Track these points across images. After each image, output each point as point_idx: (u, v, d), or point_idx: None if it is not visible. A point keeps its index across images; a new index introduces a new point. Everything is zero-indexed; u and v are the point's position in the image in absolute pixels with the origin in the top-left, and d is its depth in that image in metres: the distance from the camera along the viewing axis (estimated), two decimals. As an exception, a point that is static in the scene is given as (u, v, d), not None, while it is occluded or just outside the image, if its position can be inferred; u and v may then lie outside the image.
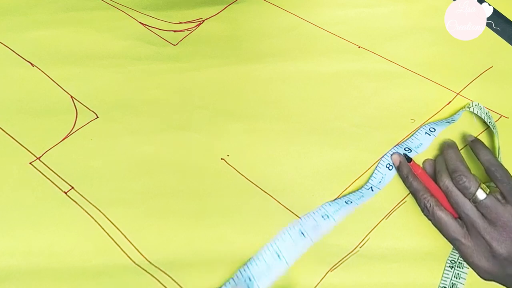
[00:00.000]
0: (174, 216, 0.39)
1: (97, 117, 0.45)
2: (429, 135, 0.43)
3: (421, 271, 0.39)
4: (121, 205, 0.40)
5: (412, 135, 0.44)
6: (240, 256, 0.38)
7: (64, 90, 0.46)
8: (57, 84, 0.47)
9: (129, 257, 0.38)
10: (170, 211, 0.40)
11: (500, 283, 0.36)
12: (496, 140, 0.43)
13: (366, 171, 0.42)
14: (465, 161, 0.40)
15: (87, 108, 0.45)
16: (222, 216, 0.40)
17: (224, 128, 0.44)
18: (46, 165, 0.41)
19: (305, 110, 0.46)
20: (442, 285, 0.38)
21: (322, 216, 0.39)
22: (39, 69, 0.48)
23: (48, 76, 0.47)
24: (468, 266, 0.38)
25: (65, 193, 0.40)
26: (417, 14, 0.53)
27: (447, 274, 0.39)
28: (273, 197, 0.41)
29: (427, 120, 0.45)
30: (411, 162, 0.41)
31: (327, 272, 0.38)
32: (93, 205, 0.40)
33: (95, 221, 0.39)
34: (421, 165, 0.42)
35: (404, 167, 0.41)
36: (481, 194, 0.37)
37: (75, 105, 0.45)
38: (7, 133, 0.43)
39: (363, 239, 0.39)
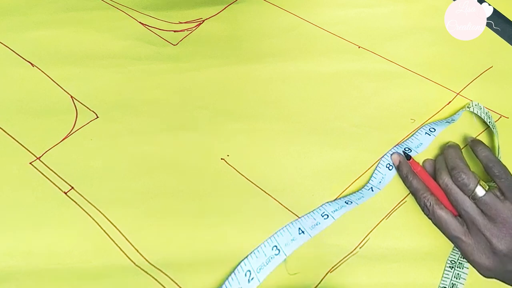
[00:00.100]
0: (174, 216, 0.39)
1: (97, 117, 0.45)
2: (429, 135, 0.43)
3: (421, 271, 0.39)
4: (121, 205, 0.40)
5: (412, 135, 0.44)
6: (240, 256, 0.38)
7: (64, 90, 0.46)
8: (57, 84, 0.47)
9: (128, 257, 0.37)
10: (170, 211, 0.40)
11: (501, 280, 0.37)
12: (496, 140, 0.43)
13: (366, 171, 0.42)
14: (464, 159, 0.40)
15: (87, 108, 0.45)
16: (222, 216, 0.40)
17: (224, 128, 0.44)
18: (46, 165, 0.41)
19: (305, 110, 0.46)
20: (442, 285, 0.38)
21: (322, 215, 0.39)
22: (39, 69, 0.47)
23: (48, 76, 0.47)
24: (468, 266, 0.39)
25: (65, 193, 0.40)
26: (417, 14, 0.53)
27: (447, 274, 0.39)
28: (273, 197, 0.41)
29: (427, 120, 0.45)
30: (411, 160, 0.41)
31: (327, 273, 0.38)
32: (93, 205, 0.40)
33: (95, 221, 0.39)
34: (421, 165, 0.42)
35: (404, 166, 0.41)
36: (480, 191, 0.37)
37: (75, 105, 0.45)
38: (7, 133, 0.43)
39: (363, 239, 0.39)
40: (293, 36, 0.51)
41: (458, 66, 0.49)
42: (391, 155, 0.42)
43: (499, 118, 0.46)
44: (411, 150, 0.42)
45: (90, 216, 0.39)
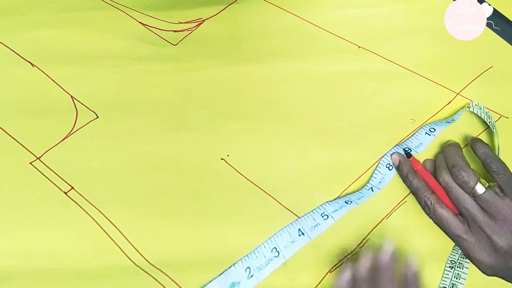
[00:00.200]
0: (174, 216, 0.39)
1: (97, 117, 0.45)
2: (429, 135, 0.43)
3: (421, 271, 0.38)
4: (121, 205, 0.40)
5: (412, 135, 0.44)
6: (240, 256, 0.38)
7: (64, 90, 0.46)
8: (57, 84, 0.47)
9: (128, 257, 0.37)
10: (170, 211, 0.40)
11: (502, 278, 0.37)
12: (496, 140, 0.43)
13: (366, 171, 0.42)
14: (464, 157, 0.40)
15: (87, 108, 0.45)
16: (222, 216, 0.40)
17: (224, 128, 0.44)
18: (46, 165, 0.41)
19: (305, 110, 0.46)
20: (442, 285, 0.38)
21: (322, 216, 0.39)
22: (39, 69, 0.47)
23: (48, 76, 0.47)
24: (468, 266, 0.39)
25: (65, 193, 0.40)
26: (417, 14, 0.53)
27: (447, 274, 0.39)
28: (273, 197, 0.41)
29: (427, 120, 0.45)
30: (411, 158, 0.41)
31: (327, 273, 0.38)
32: (93, 205, 0.40)
33: (95, 221, 0.39)
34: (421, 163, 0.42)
35: (404, 166, 0.41)
36: (480, 188, 0.37)
37: (75, 105, 0.45)
38: (7, 133, 0.43)
39: (363, 239, 0.39)
40: (293, 36, 0.51)
41: (458, 66, 0.49)
42: (391, 155, 0.42)
43: (499, 118, 0.46)
44: (411, 150, 0.42)
45: (90, 216, 0.39)
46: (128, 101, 0.46)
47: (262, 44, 0.50)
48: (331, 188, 0.41)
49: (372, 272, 0.35)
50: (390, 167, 0.42)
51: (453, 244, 0.39)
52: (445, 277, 0.39)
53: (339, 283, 0.36)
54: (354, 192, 0.41)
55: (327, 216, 0.39)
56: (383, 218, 0.40)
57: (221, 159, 0.42)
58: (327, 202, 0.40)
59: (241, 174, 0.42)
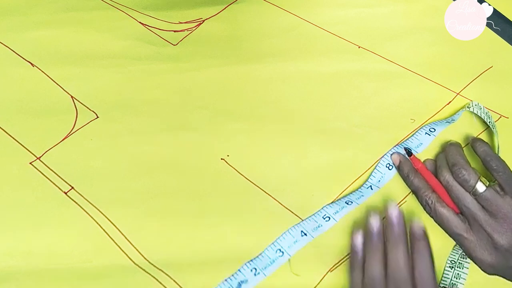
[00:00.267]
0: (174, 216, 0.39)
1: (97, 117, 0.45)
2: (429, 135, 0.43)
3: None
4: (121, 205, 0.40)
5: (412, 135, 0.44)
6: (240, 256, 0.38)
7: (64, 90, 0.46)
8: (57, 84, 0.47)
9: (129, 257, 0.37)
10: (170, 211, 0.40)
11: (503, 277, 0.37)
12: (496, 140, 0.43)
13: (366, 171, 0.42)
14: (465, 156, 0.40)
15: (87, 108, 0.45)
16: (222, 216, 0.40)
17: (224, 128, 0.44)
18: (46, 165, 0.41)
19: (305, 110, 0.46)
20: (442, 285, 0.38)
21: (324, 218, 0.39)
22: (39, 69, 0.48)
23: (48, 76, 0.47)
24: (468, 267, 0.39)
25: (65, 193, 0.40)
26: (417, 14, 0.53)
27: (447, 274, 0.39)
28: (273, 197, 0.41)
29: (427, 120, 0.45)
30: (412, 156, 0.41)
31: (327, 272, 0.38)
32: (93, 205, 0.40)
33: (95, 221, 0.39)
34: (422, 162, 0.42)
35: (405, 166, 0.41)
36: (480, 187, 0.37)
37: (75, 105, 0.45)
38: (7, 133, 0.43)
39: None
40: (293, 36, 0.51)
41: (458, 66, 0.49)
42: (391, 155, 0.42)
43: (499, 118, 0.46)
44: (411, 150, 0.42)
45: (90, 216, 0.39)
46: (128, 101, 0.46)
47: (262, 44, 0.50)
48: (331, 188, 0.41)
49: (383, 228, 0.37)
50: (390, 167, 0.42)
51: (453, 244, 0.39)
52: (445, 277, 0.39)
53: (353, 243, 0.37)
54: (354, 191, 0.41)
55: (329, 218, 0.39)
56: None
57: (221, 159, 0.42)
58: (328, 204, 0.40)
59: (241, 174, 0.42)
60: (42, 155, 0.42)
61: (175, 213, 0.40)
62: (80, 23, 0.51)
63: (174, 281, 0.37)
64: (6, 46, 0.49)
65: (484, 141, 0.41)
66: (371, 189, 0.41)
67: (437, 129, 0.43)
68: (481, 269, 0.37)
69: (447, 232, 0.38)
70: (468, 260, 0.39)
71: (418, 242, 0.35)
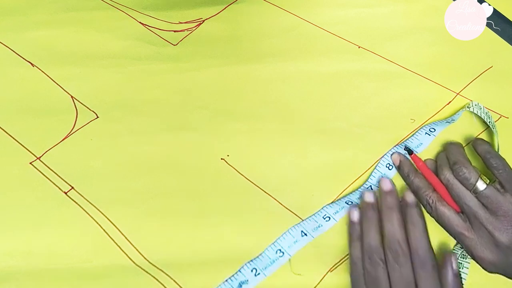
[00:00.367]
0: (174, 216, 0.39)
1: (97, 117, 0.45)
2: (429, 135, 0.43)
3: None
4: (121, 205, 0.40)
5: (412, 135, 0.44)
6: (240, 256, 0.38)
7: (64, 90, 0.46)
8: (57, 84, 0.47)
9: (129, 257, 0.38)
10: (170, 211, 0.40)
11: (504, 275, 0.36)
12: (495, 140, 0.43)
13: (366, 171, 0.42)
14: (466, 155, 0.40)
15: (87, 108, 0.45)
16: (222, 216, 0.40)
17: (224, 128, 0.44)
18: (46, 165, 0.41)
19: (305, 110, 0.46)
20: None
21: (324, 218, 0.39)
22: (39, 69, 0.48)
23: (48, 76, 0.47)
24: (468, 266, 0.38)
25: (65, 193, 0.40)
26: (417, 14, 0.53)
27: (447, 274, 0.39)
28: (273, 197, 0.41)
29: (427, 120, 0.45)
30: (412, 155, 0.41)
31: (327, 272, 0.38)
32: (93, 205, 0.40)
33: (95, 221, 0.39)
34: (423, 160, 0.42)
35: (405, 165, 0.41)
36: (481, 185, 0.37)
37: (75, 105, 0.45)
38: (7, 133, 0.43)
39: (363, 239, 0.39)
40: (293, 36, 0.51)
41: (458, 66, 0.49)
42: (391, 155, 0.42)
43: (499, 118, 0.46)
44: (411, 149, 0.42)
45: (90, 216, 0.39)
46: (128, 101, 0.46)
47: (262, 44, 0.50)
48: (331, 188, 0.41)
49: (377, 200, 0.39)
50: (390, 167, 0.42)
51: (453, 244, 0.39)
52: (445, 277, 0.38)
53: (350, 218, 0.39)
54: (354, 191, 0.41)
55: (329, 217, 0.39)
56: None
57: (221, 159, 0.42)
58: (328, 204, 0.40)
59: (241, 174, 0.42)
60: (42, 155, 0.42)
61: (175, 213, 0.40)
62: (80, 23, 0.51)
63: (174, 281, 0.37)
64: (6, 46, 0.49)
65: (485, 140, 0.41)
66: (371, 189, 0.41)
67: (437, 129, 0.43)
68: (482, 267, 0.37)
69: (448, 231, 0.38)
70: (468, 260, 0.39)
71: (411, 210, 0.37)
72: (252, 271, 0.37)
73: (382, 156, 0.42)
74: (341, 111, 0.46)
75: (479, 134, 0.44)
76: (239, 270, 0.37)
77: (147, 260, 0.37)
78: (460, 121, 0.45)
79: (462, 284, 0.37)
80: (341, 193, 0.41)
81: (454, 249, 0.39)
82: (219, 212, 0.40)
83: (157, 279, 0.37)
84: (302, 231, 0.39)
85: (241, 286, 0.36)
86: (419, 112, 0.45)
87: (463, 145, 0.43)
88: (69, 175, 0.41)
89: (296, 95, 0.47)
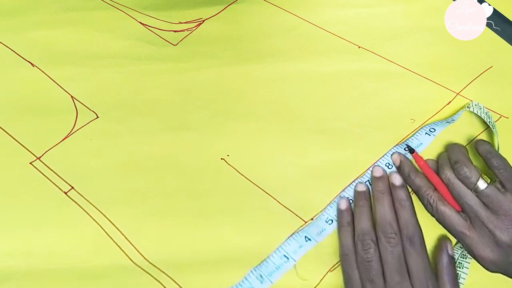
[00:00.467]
0: (174, 216, 0.39)
1: (97, 117, 0.45)
2: (429, 135, 0.43)
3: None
4: (121, 205, 0.40)
5: (412, 135, 0.44)
6: (240, 256, 0.38)
7: (64, 90, 0.46)
8: (57, 84, 0.47)
9: (129, 257, 0.38)
10: (170, 211, 0.40)
11: (505, 274, 0.36)
12: (495, 140, 0.43)
13: (366, 171, 0.42)
14: (468, 155, 0.40)
15: (87, 108, 0.45)
16: (222, 216, 0.40)
17: (224, 128, 0.44)
18: (46, 165, 0.41)
19: (305, 110, 0.46)
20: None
21: (326, 221, 0.39)
22: (39, 69, 0.48)
23: (48, 76, 0.47)
24: (468, 266, 0.39)
25: (65, 193, 0.40)
26: (417, 14, 0.53)
27: (447, 274, 0.39)
28: (273, 197, 0.41)
29: (427, 120, 0.45)
30: (414, 154, 0.41)
31: (327, 272, 0.38)
32: (93, 205, 0.40)
33: (95, 221, 0.39)
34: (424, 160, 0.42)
35: (406, 165, 0.41)
36: (482, 184, 0.37)
37: (75, 105, 0.45)
38: (7, 133, 0.43)
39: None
40: (293, 36, 0.51)
41: (458, 66, 0.49)
42: (392, 155, 0.42)
43: (499, 118, 0.46)
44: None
45: (90, 216, 0.39)
46: (128, 101, 0.46)
47: (262, 44, 0.50)
48: (331, 188, 0.41)
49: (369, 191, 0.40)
50: (390, 166, 0.42)
51: (454, 242, 0.39)
52: (445, 277, 0.38)
53: (339, 207, 0.40)
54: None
55: (332, 220, 0.39)
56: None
57: (221, 159, 0.42)
58: (329, 205, 0.40)
59: (241, 174, 0.42)
60: (42, 155, 0.42)
61: (175, 213, 0.40)
62: (80, 23, 0.51)
63: (174, 281, 0.37)
64: (6, 46, 0.49)
65: (486, 141, 0.42)
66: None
67: (437, 129, 0.43)
68: (483, 266, 0.37)
69: (448, 231, 0.38)
70: (468, 259, 0.39)
71: (398, 191, 0.39)
72: (257, 278, 0.37)
73: (382, 156, 0.42)
74: (341, 111, 0.46)
75: (479, 134, 0.44)
76: (245, 277, 0.37)
77: (147, 260, 0.37)
78: (460, 121, 0.45)
79: (459, 277, 0.37)
80: (341, 193, 0.41)
81: (454, 249, 0.39)
82: (219, 212, 0.40)
83: (157, 279, 0.37)
84: (306, 236, 0.39)
85: None
86: (419, 112, 0.45)
87: (465, 145, 0.43)
88: (69, 175, 0.41)
89: (296, 95, 0.47)
